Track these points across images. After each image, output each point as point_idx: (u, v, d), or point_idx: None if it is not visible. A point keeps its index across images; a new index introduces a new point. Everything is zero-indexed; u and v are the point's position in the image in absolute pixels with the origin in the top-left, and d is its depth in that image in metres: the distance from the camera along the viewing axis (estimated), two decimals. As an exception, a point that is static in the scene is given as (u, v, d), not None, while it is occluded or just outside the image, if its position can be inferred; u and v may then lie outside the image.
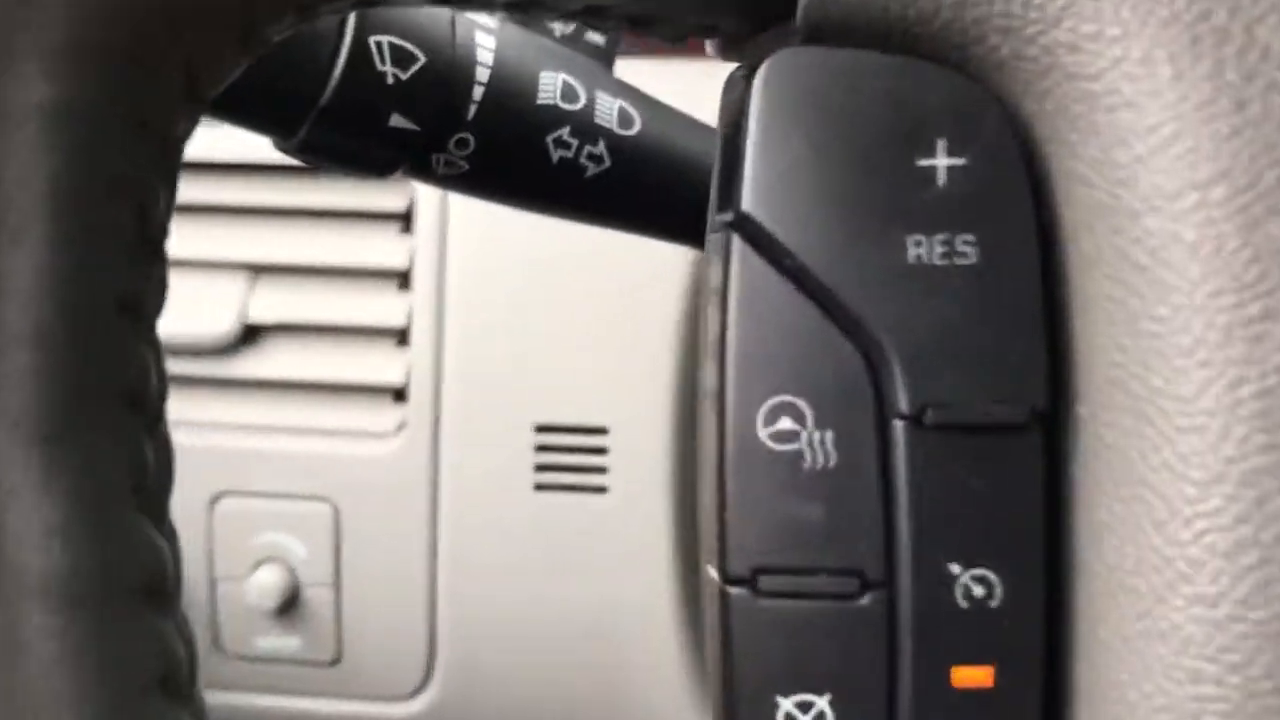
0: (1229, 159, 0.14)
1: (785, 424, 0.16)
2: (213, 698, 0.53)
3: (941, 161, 0.16)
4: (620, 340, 0.51)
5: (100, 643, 0.15)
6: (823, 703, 0.16)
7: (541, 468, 0.51)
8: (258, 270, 0.54)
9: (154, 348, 0.16)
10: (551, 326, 0.51)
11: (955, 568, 0.16)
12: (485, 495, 0.52)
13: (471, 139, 0.28)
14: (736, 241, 0.16)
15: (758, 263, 0.16)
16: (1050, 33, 0.15)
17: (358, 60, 0.27)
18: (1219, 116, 0.14)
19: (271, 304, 0.53)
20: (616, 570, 0.51)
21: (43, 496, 0.14)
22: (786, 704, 0.17)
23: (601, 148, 0.29)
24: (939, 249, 0.16)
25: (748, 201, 0.16)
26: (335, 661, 0.54)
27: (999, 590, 0.16)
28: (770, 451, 0.16)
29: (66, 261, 0.14)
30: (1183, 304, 0.15)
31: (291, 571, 0.53)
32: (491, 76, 0.28)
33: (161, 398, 0.17)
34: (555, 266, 0.52)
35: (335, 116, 0.27)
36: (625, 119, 0.30)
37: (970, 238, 0.16)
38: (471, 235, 0.52)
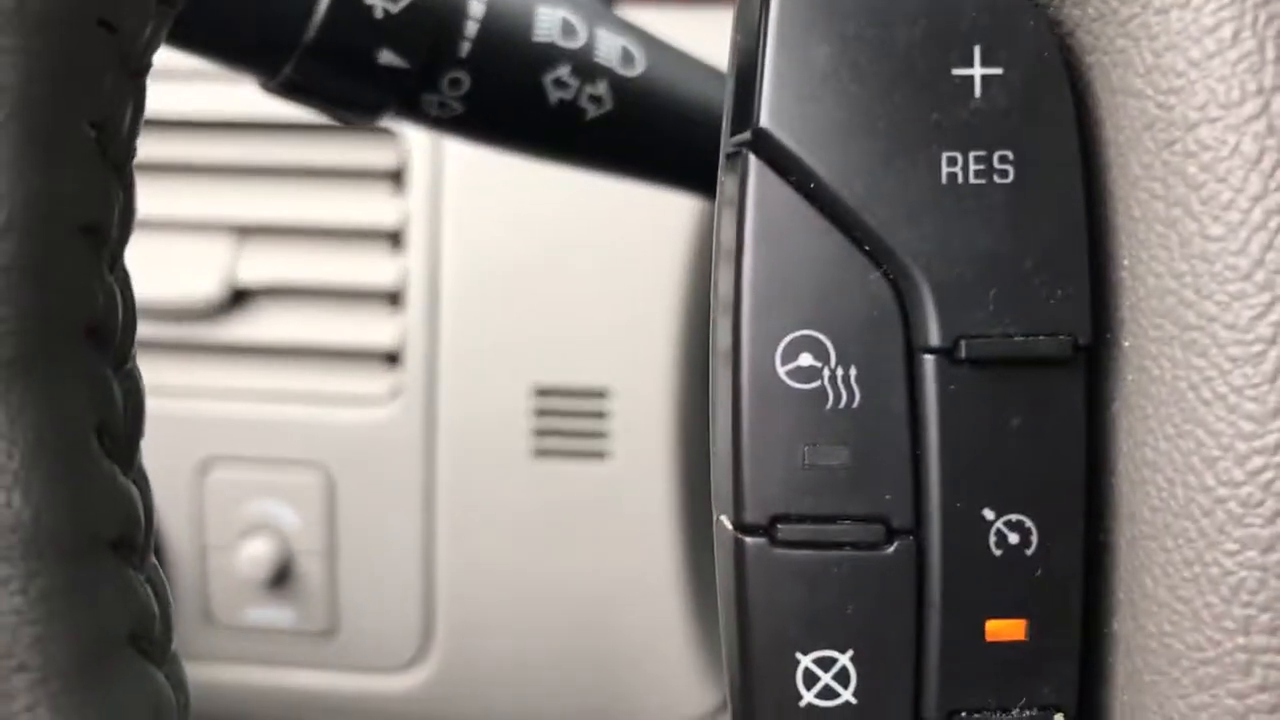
0: None
1: (805, 360, 0.15)
2: (203, 670, 0.53)
3: (978, 71, 0.15)
4: (621, 299, 0.50)
5: (63, 596, 0.13)
6: (845, 659, 0.16)
7: (541, 433, 0.51)
8: (245, 231, 0.53)
9: (121, 280, 0.15)
10: (550, 286, 0.50)
11: (989, 514, 0.15)
12: (483, 461, 0.51)
13: (465, 78, 0.27)
14: (754, 162, 0.15)
15: (777, 185, 0.15)
16: None
17: None
18: None
19: (260, 266, 0.52)
20: (618, 539, 0.50)
21: None
22: (806, 661, 0.16)
23: (602, 88, 0.28)
24: (975, 167, 0.15)
25: (766, 118, 0.15)
26: (329, 633, 0.53)
27: (1035, 537, 0.15)
28: (789, 390, 0.15)
29: (20, 175, 0.13)
30: (1239, 222, 0.14)
31: (283, 540, 0.52)
32: (486, 11, 0.27)
33: (130, 336, 0.15)
34: (554, 224, 0.50)
35: (321, 53, 0.26)
36: (628, 59, 0.28)
37: (1008, 154, 0.15)
38: (467, 193, 0.51)
